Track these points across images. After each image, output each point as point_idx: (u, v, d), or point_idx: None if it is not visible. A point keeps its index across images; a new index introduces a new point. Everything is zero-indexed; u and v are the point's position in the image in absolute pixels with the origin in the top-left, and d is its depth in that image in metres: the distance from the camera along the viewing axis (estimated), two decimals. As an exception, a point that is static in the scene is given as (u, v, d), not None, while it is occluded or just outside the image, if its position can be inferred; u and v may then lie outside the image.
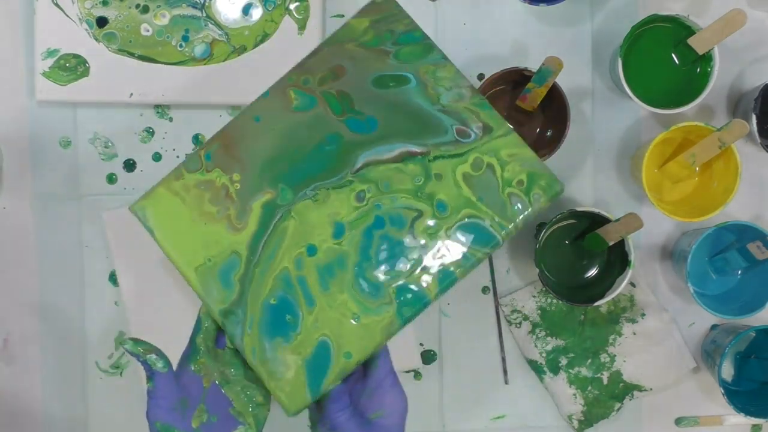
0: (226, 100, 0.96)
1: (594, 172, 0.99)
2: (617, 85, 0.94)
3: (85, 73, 0.94)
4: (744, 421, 0.96)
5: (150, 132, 0.98)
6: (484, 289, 0.99)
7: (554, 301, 0.98)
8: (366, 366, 0.79)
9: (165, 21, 0.94)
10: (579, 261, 0.96)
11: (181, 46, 0.93)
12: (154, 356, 0.75)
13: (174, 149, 0.98)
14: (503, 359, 0.99)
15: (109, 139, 0.97)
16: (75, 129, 0.97)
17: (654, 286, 0.99)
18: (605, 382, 0.99)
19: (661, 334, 0.98)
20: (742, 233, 0.93)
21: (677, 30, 0.92)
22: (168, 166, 0.97)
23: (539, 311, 0.98)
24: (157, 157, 0.98)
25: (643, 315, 0.98)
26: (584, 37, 0.98)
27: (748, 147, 0.97)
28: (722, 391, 0.93)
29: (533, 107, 0.91)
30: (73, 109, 0.97)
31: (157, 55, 0.94)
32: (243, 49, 0.94)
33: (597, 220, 0.92)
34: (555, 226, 0.94)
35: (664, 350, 0.98)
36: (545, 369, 0.99)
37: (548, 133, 0.95)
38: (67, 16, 0.93)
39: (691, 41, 0.90)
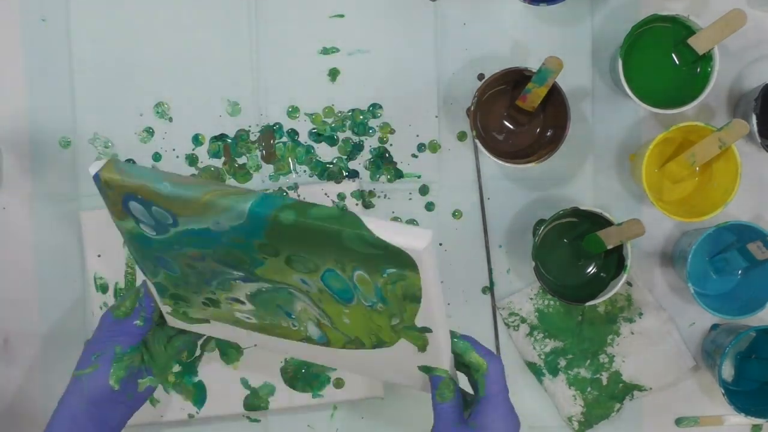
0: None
1: (594, 172, 0.99)
2: (617, 85, 0.94)
3: None
4: (744, 421, 0.96)
5: (150, 132, 0.98)
6: (484, 290, 0.99)
7: (551, 303, 0.98)
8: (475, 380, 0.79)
9: None
10: (576, 260, 0.96)
11: None
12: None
13: (174, 149, 0.98)
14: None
15: (109, 139, 0.97)
16: (75, 129, 0.97)
17: (653, 286, 0.99)
18: (605, 382, 0.99)
19: (660, 333, 0.98)
20: (742, 233, 0.93)
21: (677, 30, 0.92)
22: (168, 166, 0.97)
23: (536, 313, 0.98)
24: (157, 157, 0.98)
25: (640, 314, 0.98)
26: (584, 37, 0.98)
27: (748, 147, 0.97)
28: (722, 391, 0.93)
29: (533, 107, 0.91)
30: (73, 109, 0.97)
31: None
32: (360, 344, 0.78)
33: (597, 221, 0.92)
34: (555, 223, 0.94)
35: (662, 349, 0.98)
36: (544, 371, 0.99)
37: (548, 133, 0.94)
38: None
39: (691, 41, 0.90)
